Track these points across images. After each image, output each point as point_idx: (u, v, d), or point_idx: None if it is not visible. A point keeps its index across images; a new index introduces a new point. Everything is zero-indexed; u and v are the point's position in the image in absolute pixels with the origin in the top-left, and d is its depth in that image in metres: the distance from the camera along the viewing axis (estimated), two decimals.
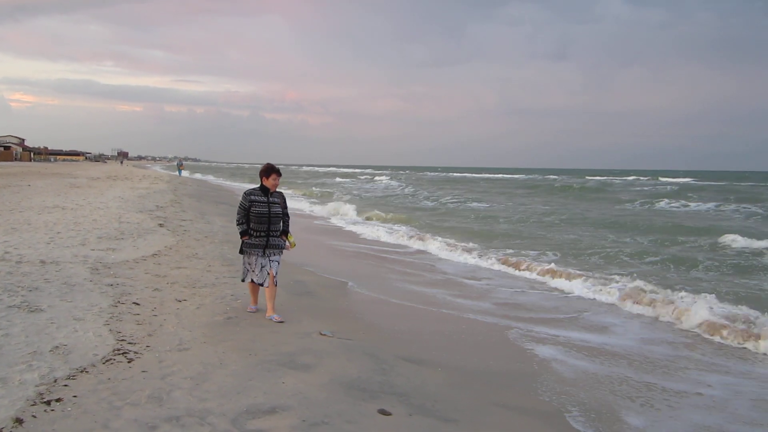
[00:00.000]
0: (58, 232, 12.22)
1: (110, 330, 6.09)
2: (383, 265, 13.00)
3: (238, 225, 7.13)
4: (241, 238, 7.18)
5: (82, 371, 4.95)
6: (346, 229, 20.65)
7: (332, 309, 8.39)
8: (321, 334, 6.79)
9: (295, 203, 29.73)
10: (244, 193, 7.18)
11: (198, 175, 75.03)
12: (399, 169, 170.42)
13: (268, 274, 7.06)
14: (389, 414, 4.72)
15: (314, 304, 8.31)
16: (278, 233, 7.15)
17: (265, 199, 7.06)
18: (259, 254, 7.08)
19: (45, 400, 4.35)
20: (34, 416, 4.08)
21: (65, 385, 4.64)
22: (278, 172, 7.16)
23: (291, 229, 7.45)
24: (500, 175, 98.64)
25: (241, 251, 7.24)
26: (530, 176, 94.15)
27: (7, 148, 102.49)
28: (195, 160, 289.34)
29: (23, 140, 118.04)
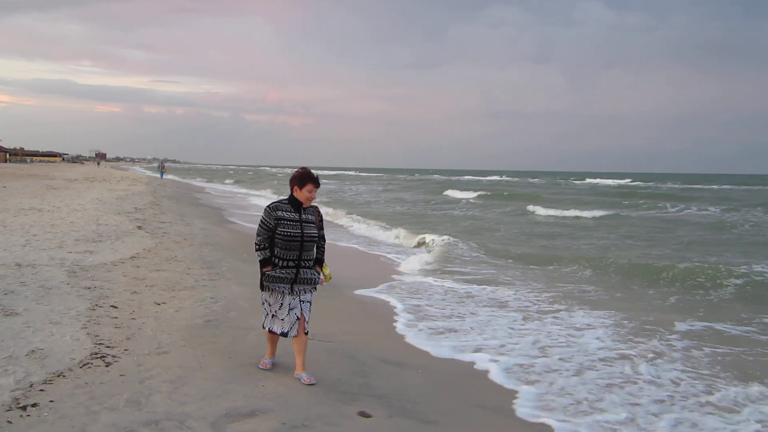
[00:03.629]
0: (35, 235, 12.05)
1: (88, 333, 6.03)
2: (366, 261, 12.99)
3: (258, 251, 5.30)
4: (261, 269, 5.34)
5: (58, 375, 4.90)
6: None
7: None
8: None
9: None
10: (267, 207, 5.33)
11: (191, 180, 69.94)
12: (382, 171, 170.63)
13: (298, 319, 5.30)
14: (369, 416, 4.74)
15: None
16: (311, 263, 5.39)
17: (297, 217, 5.26)
18: (286, 291, 5.29)
19: (21, 405, 4.30)
20: (10, 422, 4.03)
21: (41, 390, 4.59)
22: (316, 182, 5.31)
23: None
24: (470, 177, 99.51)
25: (262, 286, 5.41)
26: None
27: None
28: (174, 161, 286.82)
29: None
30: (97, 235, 12.64)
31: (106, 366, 5.22)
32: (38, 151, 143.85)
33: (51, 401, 4.41)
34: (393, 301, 9.24)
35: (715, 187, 65.46)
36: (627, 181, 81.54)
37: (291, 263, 5.25)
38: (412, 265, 12.57)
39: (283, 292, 5.28)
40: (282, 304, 5.28)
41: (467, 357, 6.72)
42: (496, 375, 6.18)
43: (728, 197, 43.42)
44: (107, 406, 4.41)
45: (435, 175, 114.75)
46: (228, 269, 10.41)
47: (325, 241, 5.58)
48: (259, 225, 5.30)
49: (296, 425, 4.41)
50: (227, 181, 62.69)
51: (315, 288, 5.46)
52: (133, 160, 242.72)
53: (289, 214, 5.25)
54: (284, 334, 5.28)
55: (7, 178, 37.88)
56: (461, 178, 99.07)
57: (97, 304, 7.15)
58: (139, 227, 14.69)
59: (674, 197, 41.87)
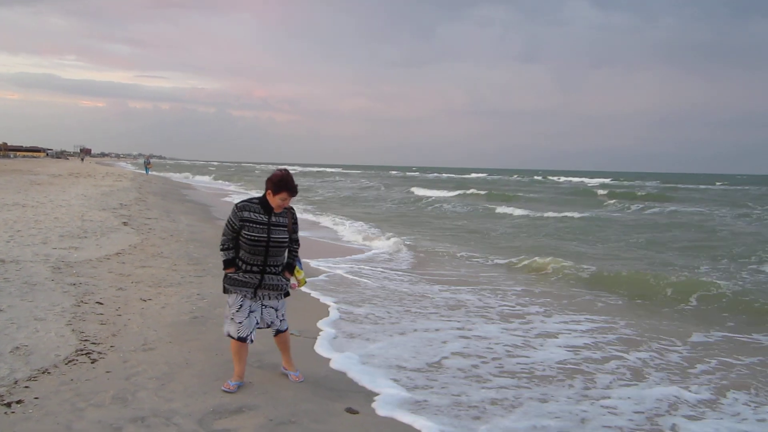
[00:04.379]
0: (18, 230, 11.93)
1: (73, 330, 5.99)
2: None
3: (221, 251, 4.94)
4: (224, 269, 4.96)
5: (43, 372, 4.87)
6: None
7: (299, 308, 8.37)
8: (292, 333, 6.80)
9: None
10: (235, 206, 4.89)
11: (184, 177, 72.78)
12: (368, 168, 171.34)
13: (257, 324, 5.00)
14: (356, 412, 4.75)
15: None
16: (279, 268, 5.01)
17: (266, 220, 4.82)
18: (248, 295, 4.93)
19: (5, 402, 4.27)
20: None
21: (26, 387, 4.56)
22: (292, 191, 4.78)
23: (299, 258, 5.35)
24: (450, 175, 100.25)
25: (225, 289, 5.00)
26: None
27: None
28: (160, 157, 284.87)
29: None
30: (82, 231, 12.54)
31: (92, 363, 5.20)
32: (21, 146, 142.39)
33: (36, 398, 4.38)
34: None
35: (701, 186, 66.51)
36: (608, 180, 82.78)
37: (255, 268, 4.86)
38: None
39: (244, 295, 4.90)
40: (241, 306, 4.89)
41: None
42: None
43: (703, 198, 43.60)
44: (93, 403, 4.39)
45: (416, 173, 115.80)
46: (214, 265, 10.35)
47: (298, 245, 5.18)
48: (225, 224, 4.90)
49: (283, 422, 4.41)
50: (207, 177, 62.56)
51: (283, 295, 5.11)
52: (118, 156, 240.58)
53: (256, 215, 4.81)
54: (242, 339, 4.87)
55: None
56: (441, 175, 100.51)
57: (82, 301, 7.11)
58: (125, 223, 14.59)
59: (648, 197, 41.52)
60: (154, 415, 4.29)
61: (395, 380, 5.58)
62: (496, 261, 13.29)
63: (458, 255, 14.02)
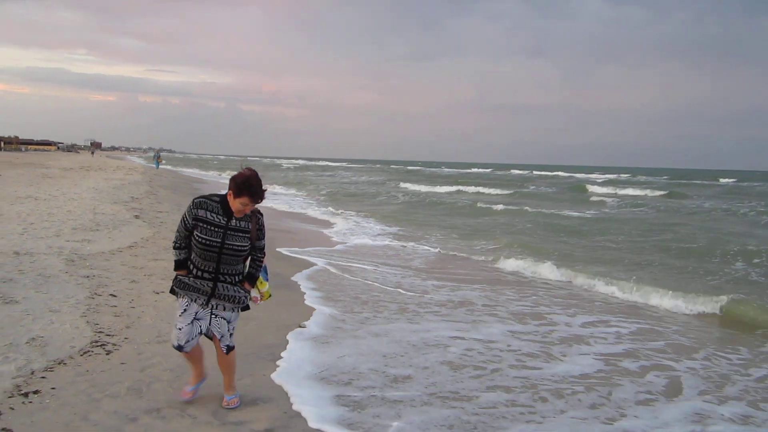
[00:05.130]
0: (32, 223, 12.02)
1: (87, 322, 6.04)
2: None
3: (174, 249, 4.40)
4: (174, 270, 4.40)
5: (59, 363, 4.92)
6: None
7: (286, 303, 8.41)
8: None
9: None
10: (193, 201, 4.29)
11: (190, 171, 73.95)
12: (376, 162, 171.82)
13: (200, 333, 4.32)
14: None
15: (293, 298, 8.30)
16: (236, 278, 4.34)
17: (223, 222, 4.19)
18: (198, 301, 4.28)
19: (23, 392, 4.32)
20: (12, 408, 4.05)
21: (43, 377, 4.61)
22: (255, 196, 4.13)
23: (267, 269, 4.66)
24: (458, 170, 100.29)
25: (173, 290, 4.43)
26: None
27: None
28: (170, 151, 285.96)
29: None
30: (94, 224, 12.62)
31: (107, 354, 5.24)
32: (33, 140, 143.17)
33: (53, 388, 4.43)
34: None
35: (706, 182, 66.04)
36: (616, 175, 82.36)
37: (207, 275, 4.24)
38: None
39: (194, 299, 4.27)
40: (185, 310, 4.27)
41: None
42: None
43: (701, 194, 43.10)
44: (109, 394, 4.44)
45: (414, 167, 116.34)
46: None
47: (264, 254, 4.49)
48: (180, 219, 4.34)
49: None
50: (211, 172, 62.89)
51: (238, 307, 4.39)
52: (128, 150, 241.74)
53: (213, 216, 4.18)
54: (179, 348, 4.27)
55: (3, 166, 37.70)
56: (441, 170, 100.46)
57: (96, 293, 7.16)
58: (137, 216, 14.67)
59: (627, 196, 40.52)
60: (169, 406, 4.33)
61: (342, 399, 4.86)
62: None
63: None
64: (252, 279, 4.44)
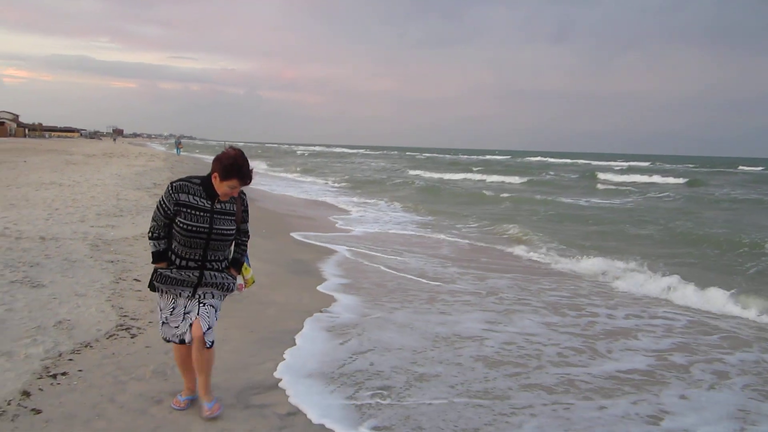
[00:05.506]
0: (57, 209, 12.21)
1: (112, 306, 6.13)
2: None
3: (150, 240, 3.96)
4: (152, 263, 3.99)
5: (86, 346, 5.01)
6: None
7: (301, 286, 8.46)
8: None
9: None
10: (171, 185, 3.90)
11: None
12: (396, 149, 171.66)
13: (191, 326, 3.94)
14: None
15: (315, 283, 8.35)
16: (223, 264, 4.04)
17: (208, 206, 3.87)
18: (184, 294, 3.95)
19: (51, 373, 4.41)
20: (41, 389, 4.14)
21: (70, 360, 4.70)
22: (244, 178, 3.82)
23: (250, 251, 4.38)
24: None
25: (152, 286, 4.03)
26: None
27: (1, 123, 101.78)
28: (190, 137, 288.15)
29: (17, 116, 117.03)
30: (117, 209, 12.79)
31: (132, 338, 5.32)
32: (56, 127, 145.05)
33: (80, 370, 4.52)
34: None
35: (731, 170, 64.78)
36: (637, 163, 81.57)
37: (192, 263, 3.89)
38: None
39: (179, 294, 3.94)
40: (174, 308, 3.95)
41: None
42: None
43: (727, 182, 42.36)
44: (134, 377, 4.51)
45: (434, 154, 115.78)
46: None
47: (248, 237, 4.22)
48: (156, 207, 3.92)
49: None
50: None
51: (225, 294, 4.11)
52: (149, 136, 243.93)
53: (196, 200, 3.84)
54: (182, 341, 3.99)
55: (27, 153, 38.29)
56: (459, 157, 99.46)
57: (120, 278, 7.26)
58: None
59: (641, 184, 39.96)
60: None
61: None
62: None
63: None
64: (238, 265, 4.16)
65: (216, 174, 3.80)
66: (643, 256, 11.48)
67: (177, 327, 3.96)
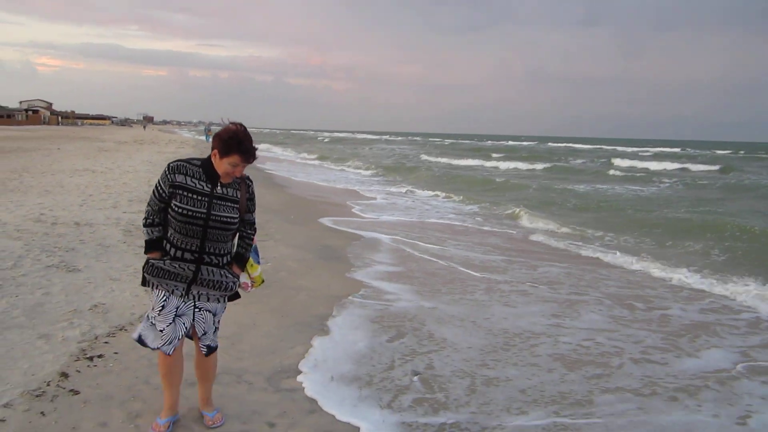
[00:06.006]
0: (90, 195, 12.45)
1: (146, 290, 6.21)
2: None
3: (144, 227, 3.54)
4: (145, 253, 3.53)
5: (121, 329, 5.11)
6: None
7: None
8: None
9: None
10: (168, 166, 3.47)
11: None
12: (423, 135, 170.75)
13: (185, 334, 3.58)
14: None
15: (344, 269, 8.36)
16: (223, 259, 3.56)
17: (207, 189, 3.43)
18: (177, 291, 3.48)
19: (87, 355, 4.51)
20: (78, 371, 4.24)
21: (106, 342, 4.81)
22: (246, 155, 3.39)
23: (259, 247, 4.14)
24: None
25: (145, 281, 3.57)
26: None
27: (35, 111, 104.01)
28: (219, 124, 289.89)
29: (51, 104, 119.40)
30: (149, 196, 12.96)
31: None
32: (88, 114, 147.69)
33: (115, 353, 4.61)
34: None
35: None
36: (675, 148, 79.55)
37: (188, 255, 3.43)
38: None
39: (172, 290, 3.48)
40: (164, 306, 3.48)
41: None
42: None
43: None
44: None
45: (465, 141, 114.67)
46: (276, 230, 10.57)
47: (254, 230, 3.73)
48: (153, 190, 3.53)
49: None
50: (263, 145, 63.68)
51: (227, 295, 3.68)
52: (179, 123, 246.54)
53: (194, 182, 3.41)
54: (164, 350, 3.53)
55: (61, 140, 39.07)
56: (485, 143, 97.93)
57: None
58: None
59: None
60: (226, 372, 4.45)
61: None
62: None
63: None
64: (241, 261, 3.66)
65: (216, 151, 3.40)
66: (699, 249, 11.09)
67: (161, 331, 3.48)
